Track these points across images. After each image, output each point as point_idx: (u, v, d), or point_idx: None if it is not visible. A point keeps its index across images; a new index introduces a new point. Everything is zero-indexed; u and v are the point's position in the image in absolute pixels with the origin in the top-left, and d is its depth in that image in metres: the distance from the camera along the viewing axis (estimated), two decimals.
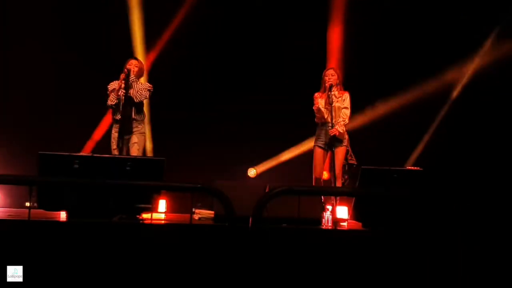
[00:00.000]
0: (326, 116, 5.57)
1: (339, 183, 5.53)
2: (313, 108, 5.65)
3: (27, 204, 4.36)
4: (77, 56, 6.93)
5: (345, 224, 5.04)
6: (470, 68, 7.01)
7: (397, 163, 4.94)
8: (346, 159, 5.86)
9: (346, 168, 5.94)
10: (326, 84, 5.61)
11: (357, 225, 4.64)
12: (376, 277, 3.59)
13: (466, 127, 6.89)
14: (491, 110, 6.75)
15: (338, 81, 5.68)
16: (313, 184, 5.56)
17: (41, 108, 6.90)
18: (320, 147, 5.66)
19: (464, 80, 7.06)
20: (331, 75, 5.66)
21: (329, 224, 4.81)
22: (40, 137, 6.59)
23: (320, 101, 5.61)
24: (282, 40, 7.42)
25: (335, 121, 5.51)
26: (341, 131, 5.55)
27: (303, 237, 3.69)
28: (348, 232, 4.41)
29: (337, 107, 5.58)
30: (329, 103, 5.51)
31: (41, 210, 4.14)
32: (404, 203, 4.09)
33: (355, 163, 5.95)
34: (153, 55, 7.23)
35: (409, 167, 4.73)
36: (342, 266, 3.58)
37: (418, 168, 5.29)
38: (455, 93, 7.12)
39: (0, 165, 6.18)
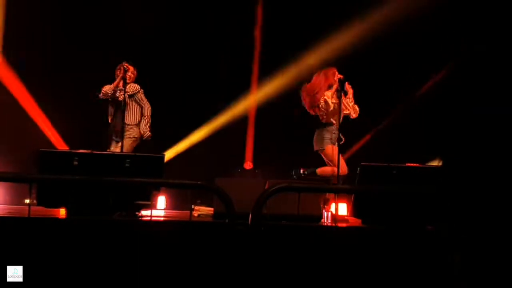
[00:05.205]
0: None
1: None
2: (328, 109, 5.50)
3: (27, 201, 4.36)
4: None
5: (344, 221, 5.04)
6: None
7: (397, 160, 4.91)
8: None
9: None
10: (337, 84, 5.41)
11: (356, 222, 4.63)
12: (376, 274, 3.59)
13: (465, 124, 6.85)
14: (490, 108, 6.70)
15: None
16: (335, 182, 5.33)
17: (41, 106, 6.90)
18: (334, 144, 5.48)
19: None
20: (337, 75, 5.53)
21: (329, 221, 4.80)
22: (39, 135, 6.59)
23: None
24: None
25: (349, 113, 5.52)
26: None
27: (302, 234, 3.69)
28: (348, 229, 4.40)
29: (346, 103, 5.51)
30: (338, 96, 5.34)
31: (41, 207, 4.15)
32: (403, 199, 4.09)
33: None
34: None
35: (409, 164, 4.68)
36: (342, 263, 3.58)
37: (419, 164, 5.25)
38: None
39: (0, 162, 6.19)
